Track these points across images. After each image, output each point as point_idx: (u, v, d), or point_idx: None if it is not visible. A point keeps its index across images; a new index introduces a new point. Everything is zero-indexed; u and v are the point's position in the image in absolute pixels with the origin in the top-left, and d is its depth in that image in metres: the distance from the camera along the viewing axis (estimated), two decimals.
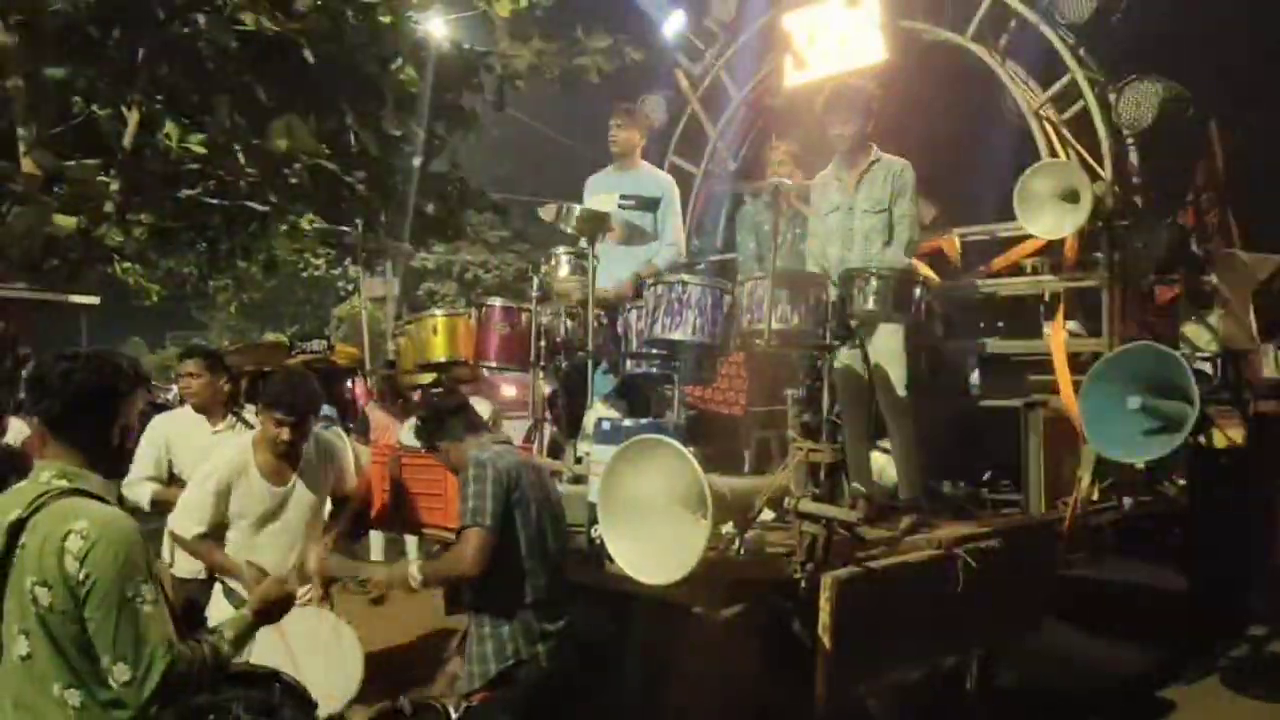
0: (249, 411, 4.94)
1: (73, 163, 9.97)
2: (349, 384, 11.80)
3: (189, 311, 19.39)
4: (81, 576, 2.13)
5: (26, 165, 9.78)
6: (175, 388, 14.92)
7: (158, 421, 4.85)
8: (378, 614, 6.92)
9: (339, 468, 4.33)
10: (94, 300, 10.34)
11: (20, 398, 8.58)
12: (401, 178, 13.03)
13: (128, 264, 13.81)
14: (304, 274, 22.08)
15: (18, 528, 2.18)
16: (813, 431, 3.76)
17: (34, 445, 2.50)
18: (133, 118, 10.62)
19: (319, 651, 3.77)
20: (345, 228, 10.66)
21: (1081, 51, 5.43)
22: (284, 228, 13.92)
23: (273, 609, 2.64)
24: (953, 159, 5.65)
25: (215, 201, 12.18)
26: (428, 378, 5.48)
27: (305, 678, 3.41)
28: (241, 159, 11.38)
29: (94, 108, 10.42)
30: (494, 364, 4.82)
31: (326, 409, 7.15)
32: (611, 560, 3.24)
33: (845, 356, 4.19)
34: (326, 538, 4.24)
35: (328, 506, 4.34)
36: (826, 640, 3.31)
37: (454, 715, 3.30)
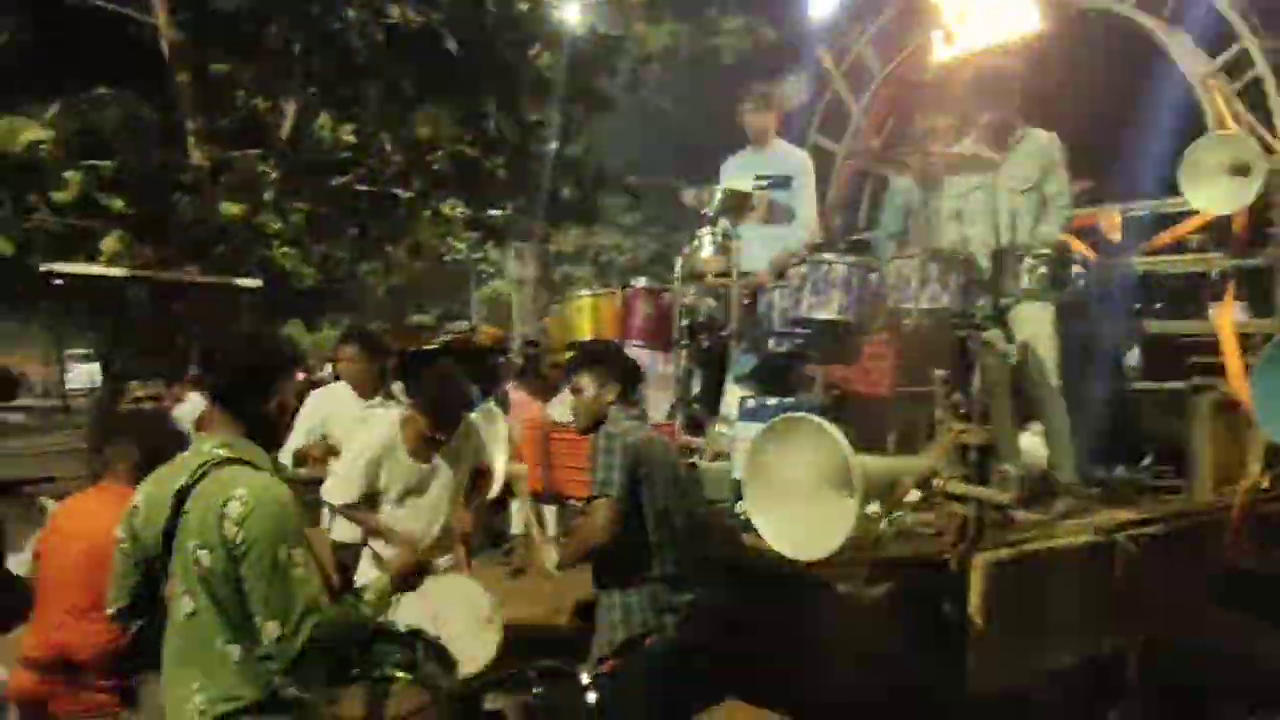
0: (396, 388, 5.23)
1: (236, 153, 10.59)
2: (495, 362, 12.14)
3: (341, 294, 20.19)
4: (239, 540, 2.27)
5: (195, 157, 10.41)
6: (330, 366, 15.67)
7: (315, 396, 5.17)
8: (517, 584, 7.13)
9: (479, 445, 4.51)
10: (256, 284, 10.93)
11: (194, 374, 9.17)
12: (539, 162, 13.31)
13: (285, 249, 14.55)
14: (447, 258, 22.73)
15: (183, 495, 2.34)
16: (963, 412, 3.67)
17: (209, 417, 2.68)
18: (290, 110, 11.18)
19: (460, 616, 3.93)
20: (493, 212, 10.98)
21: (1254, 19, 5.11)
22: (428, 213, 14.43)
23: (410, 576, 2.79)
24: (1108, 131, 5.39)
25: (364, 188, 12.72)
26: (568, 356, 5.66)
27: (447, 641, 3.57)
28: (388, 147, 11.87)
29: (255, 101, 10.99)
30: (638, 343, 4.90)
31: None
32: (756, 535, 3.25)
33: (995, 336, 4.07)
34: (468, 510, 4.43)
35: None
36: (977, 622, 3.24)
37: (585, 680, 3.37)
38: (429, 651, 3.38)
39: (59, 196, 8.71)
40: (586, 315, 5.14)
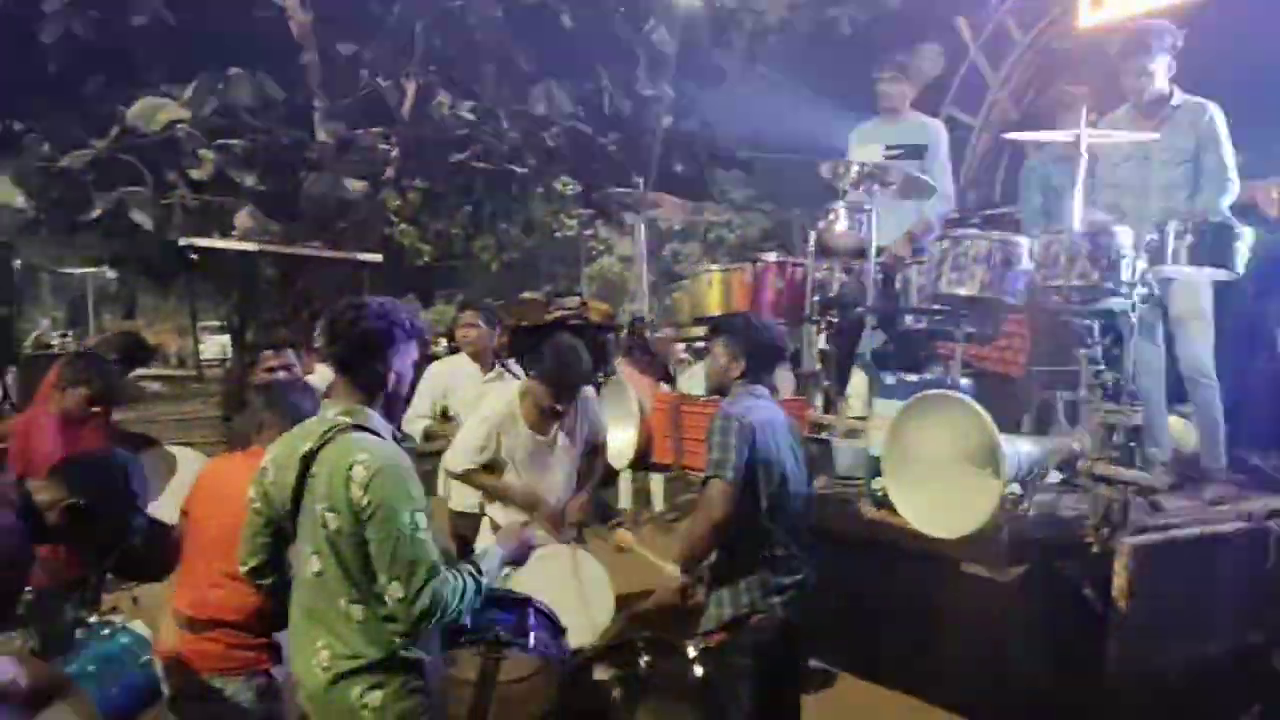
0: (510, 363, 5.33)
1: (360, 131, 10.86)
2: (604, 338, 12.21)
3: (454, 271, 20.64)
4: (364, 502, 2.33)
5: (321, 135, 10.73)
6: (445, 341, 16.04)
7: (435, 367, 5.31)
8: (624, 559, 7.23)
9: (594, 420, 4.55)
10: (377, 258, 11.23)
11: (319, 345, 9.48)
12: (651, 138, 13.27)
13: (403, 225, 14.91)
14: (557, 235, 22.95)
15: (310, 458, 2.41)
16: (1110, 393, 3.51)
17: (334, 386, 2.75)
18: (410, 88, 11.39)
19: (572, 587, 3.98)
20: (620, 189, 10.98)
21: None
22: (541, 190, 14.57)
23: (518, 551, 2.82)
24: (1272, 100, 5.06)
25: (480, 165, 12.90)
26: (700, 331, 5.68)
27: (560, 610, 3.61)
28: (505, 124, 11.99)
29: (377, 80, 11.24)
30: (770, 318, 4.89)
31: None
32: (892, 512, 3.19)
33: (1147, 314, 3.88)
34: (583, 484, 4.48)
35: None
36: (1120, 607, 3.12)
37: (691, 654, 3.38)
38: (540, 619, 3.43)
39: (195, 174, 9.08)
40: (716, 290, 5.11)
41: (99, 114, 8.82)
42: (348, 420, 2.46)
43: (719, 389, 3.46)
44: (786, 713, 3.38)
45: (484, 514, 4.47)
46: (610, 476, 8.67)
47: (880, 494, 3.38)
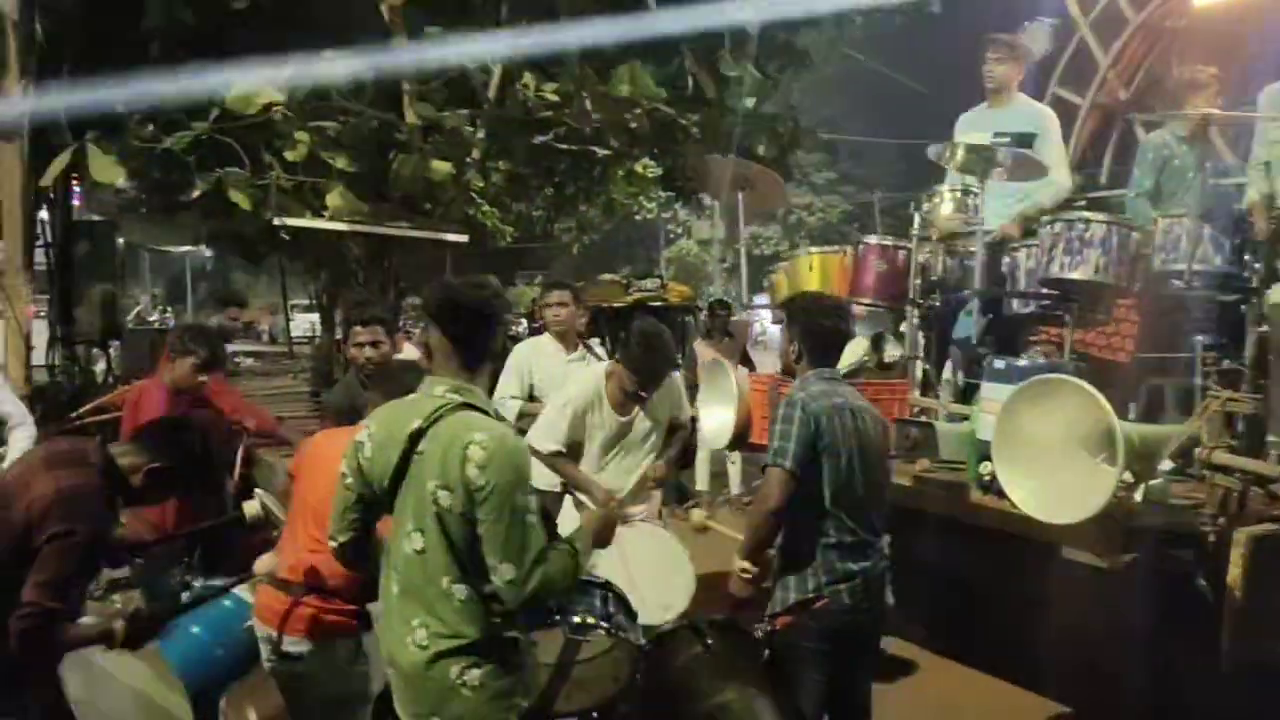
0: (593, 342, 5.39)
1: (446, 113, 10.96)
2: (683, 320, 12.20)
3: (535, 253, 20.84)
4: (481, 482, 2.36)
5: (409, 116, 10.86)
6: (524, 322, 16.14)
7: (521, 348, 5.41)
8: (699, 541, 7.26)
9: (675, 401, 4.59)
10: (464, 239, 11.37)
11: (404, 324, 9.66)
12: (734, 119, 13.13)
13: (486, 207, 15.05)
14: (637, 217, 23.01)
15: (417, 436, 2.42)
16: (1231, 380, 3.39)
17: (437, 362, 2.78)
18: (496, 70, 11.46)
19: (654, 566, 4.01)
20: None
21: None
22: (622, 172, 14.56)
23: (603, 533, 2.83)
24: None
25: (563, 147, 12.93)
26: None
27: (640, 589, 3.64)
28: (588, 105, 11.98)
29: (464, 63, 11.33)
30: (868, 301, 4.89)
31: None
32: (1000, 497, 3.16)
33: (1277, 297, 3.73)
34: (662, 464, 4.51)
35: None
36: (1235, 598, 3.05)
37: (757, 635, 3.40)
38: (617, 604, 3.48)
39: (290, 155, 9.27)
40: (815, 272, 5.15)
41: (199, 97, 9.05)
42: (458, 398, 2.49)
43: (787, 371, 3.47)
44: (856, 699, 3.37)
45: (566, 493, 4.52)
46: (688, 459, 8.75)
47: (988, 478, 3.36)
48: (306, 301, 22.54)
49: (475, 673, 2.41)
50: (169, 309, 27.68)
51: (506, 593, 2.38)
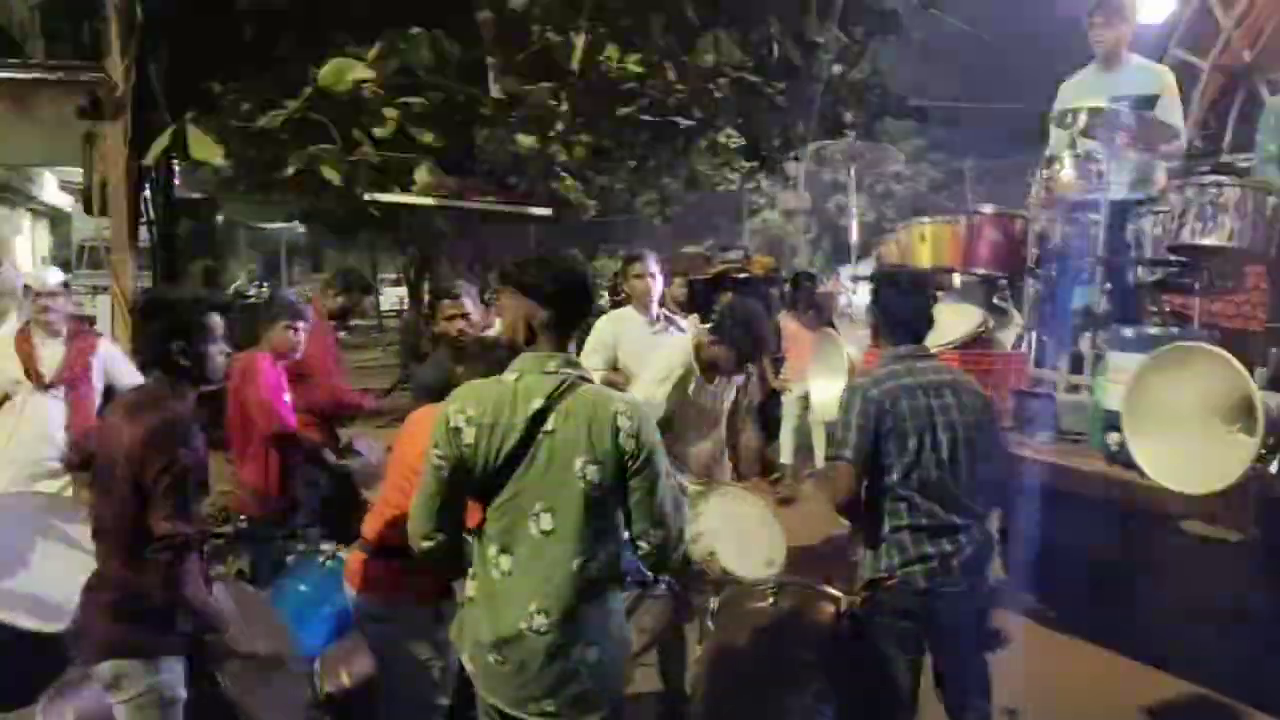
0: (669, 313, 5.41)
1: (530, 87, 11.01)
2: (767, 292, 12.08)
3: (617, 226, 20.87)
4: (635, 450, 2.35)
5: (494, 91, 10.95)
6: (607, 295, 16.22)
7: (604, 321, 5.42)
8: (785, 513, 7.27)
9: (757, 373, 4.62)
10: (548, 212, 11.44)
11: (490, 297, 9.78)
12: (820, 86, 12.91)
13: (569, 180, 15.13)
14: (720, 188, 22.85)
15: (542, 415, 2.38)
16: None
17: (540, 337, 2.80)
18: (579, 42, 11.45)
19: (754, 524, 4.06)
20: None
21: None
22: (705, 143, 14.45)
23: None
24: None
25: (646, 118, 12.88)
26: None
27: (748, 546, 3.68)
28: (671, 76, 11.90)
29: (548, 35, 11.35)
30: (983, 271, 4.82)
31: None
32: (1127, 467, 3.11)
33: None
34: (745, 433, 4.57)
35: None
36: None
37: (843, 605, 3.39)
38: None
39: (378, 131, 9.42)
40: (927, 243, 5.09)
41: (291, 75, 9.26)
42: (574, 372, 2.46)
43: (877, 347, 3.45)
44: (966, 679, 3.32)
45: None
46: (773, 430, 8.70)
47: (1116, 448, 3.32)
48: (394, 276, 22.99)
49: (594, 651, 2.42)
50: (265, 283, 28.54)
51: (655, 556, 2.40)
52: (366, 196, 9.87)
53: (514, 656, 2.43)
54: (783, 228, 29.27)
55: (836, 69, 12.46)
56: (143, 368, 3.65)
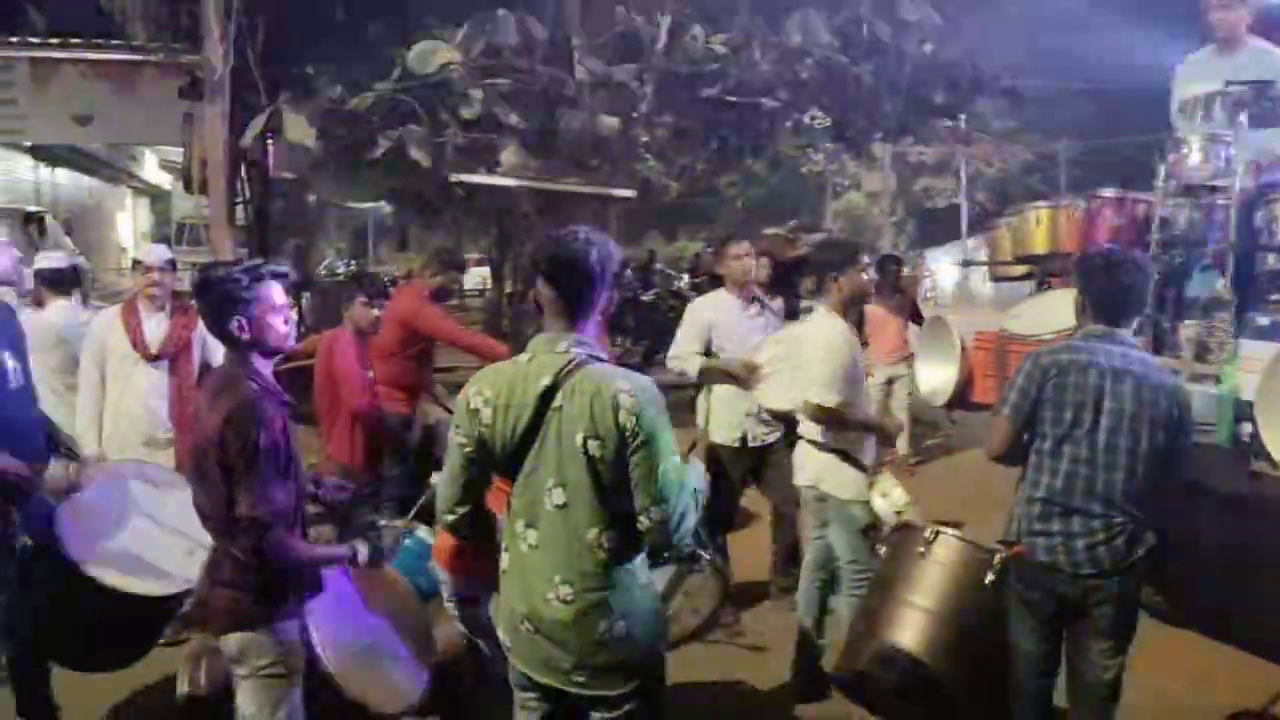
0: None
1: (615, 68, 11.03)
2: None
3: (698, 207, 20.80)
4: (634, 428, 2.37)
5: (578, 73, 10.99)
6: (686, 277, 16.14)
7: (700, 302, 5.41)
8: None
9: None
10: (631, 194, 11.46)
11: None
12: (910, 65, 12.65)
13: (651, 162, 15.11)
14: (804, 170, 22.60)
15: (550, 393, 2.43)
16: None
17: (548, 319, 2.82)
18: (664, 23, 11.42)
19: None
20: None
21: None
22: (789, 124, 14.28)
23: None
24: None
25: (730, 100, 12.80)
26: (1020, 270, 5.63)
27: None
28: (757, 56, 11.80)
29: (633, 16, 11.34)
30: None
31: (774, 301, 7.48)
32: (1260, 458, 3.03)
33: None
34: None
35: None
36: None
37: (987, 556, 3.36)
38: (708, 532, 3.63)
39: (465, 113, 9.55)
40: (1043, 227, 5.02)
41: (381, 57, 9.44)
42: (583, 352, 2.49)
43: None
44: (1091, 671, 3.28)
45: (749, 444, 4.68)
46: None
47: (1246, 438, 3.24)
48: (477, 256, 23.36)
49: (622, 624, 2.45)
50: (353, 261, 29.22)
51: (657, 534, 2.41)
52: (452, 177, 10.00)
53: (543, 627, 2.50)
54: (867, 209, 28.84)
55: (927, 48, 12.17)
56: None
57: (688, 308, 5.42)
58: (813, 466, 4.21)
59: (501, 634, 2.67)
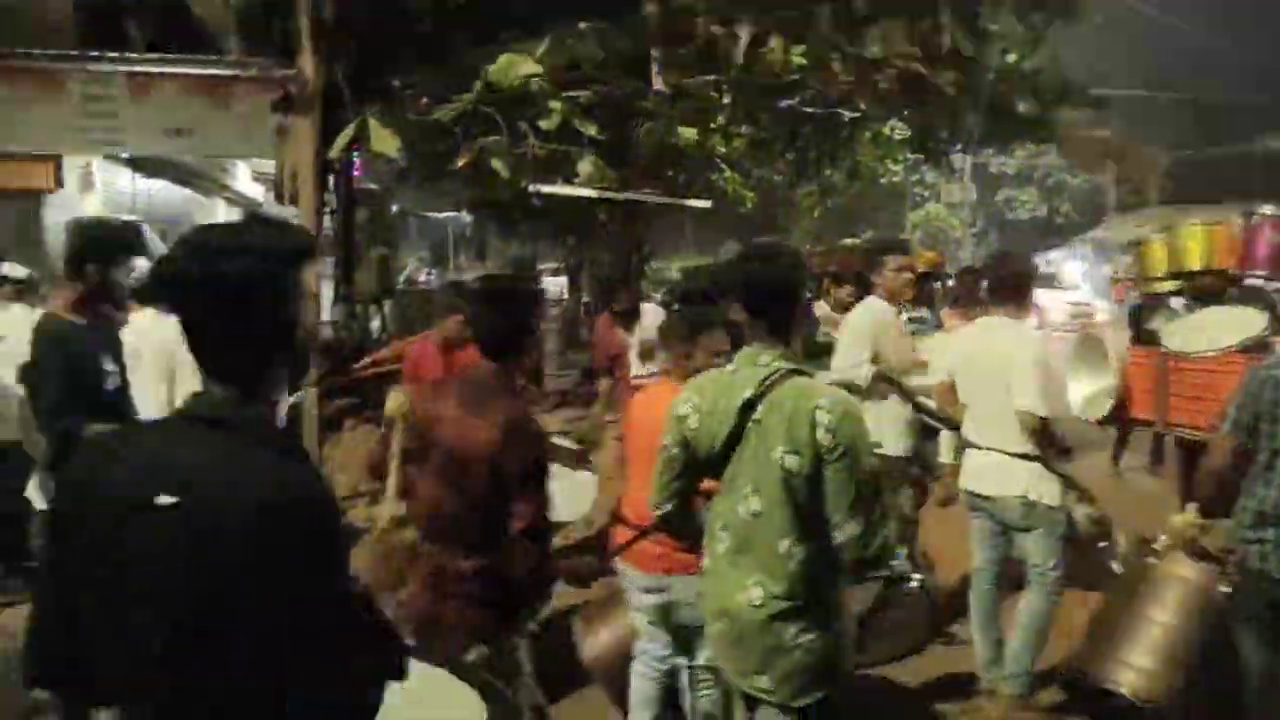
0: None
1: (693, 79, 11.06)
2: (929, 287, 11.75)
3: (775, 218, 20.70)
4: (831, 444, 2.42)
5: (657, 84, 11.05)
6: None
7: (863, 314, 5.38)
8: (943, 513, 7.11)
9: None
10: (706, 204, 11.47)
11: (649, 289, 9.91)
12: (993, 76, 12.43)
13: (728, 172, 15.10)
14: (882, 180, 22.32)
15: (751, 405, 2.51)
16: None
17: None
18: (744, 34, 11.42)
19: None
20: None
21: None
22: (869, 134, 14.16)
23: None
24: None
25: (808, 110, 12.73)
26: (1168, 285, 5.61)
27: None
28: (836, 67, 11.71)
29: (712, 28, 11.36)
30: (1264, 274, 4.71)
31: (921, 311, 7.33)
32: None
33: None
34: None
35: None
36: None
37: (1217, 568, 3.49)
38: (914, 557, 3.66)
39: (544, 124, 9.67)
40: (1198, 243, 5.00)
41: (464, 70, 9.61)
42: (784, 365, 2.57)
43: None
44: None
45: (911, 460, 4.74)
46: (931, 431, 8.51)
47: None
48: (554, 265, 23.57)
49: (811, 634, 2.49)
50: (433, 271, 29.67)
51: (852, 550, 2.43)
52: (530, 187, 10.13)
53: (734, 628, 2.57)
54: (946, 220, 28.30)
55: (1010, 57, 11.95)
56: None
57: (849, 318, 5.43)
58: (1023, 475, 4.21)
59: (707, 628, 2.78)
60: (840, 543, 2.45)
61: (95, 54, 7.77)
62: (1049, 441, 4.13)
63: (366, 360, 8.56)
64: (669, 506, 2.75)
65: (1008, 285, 4.25)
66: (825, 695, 2.54)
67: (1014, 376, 4.07)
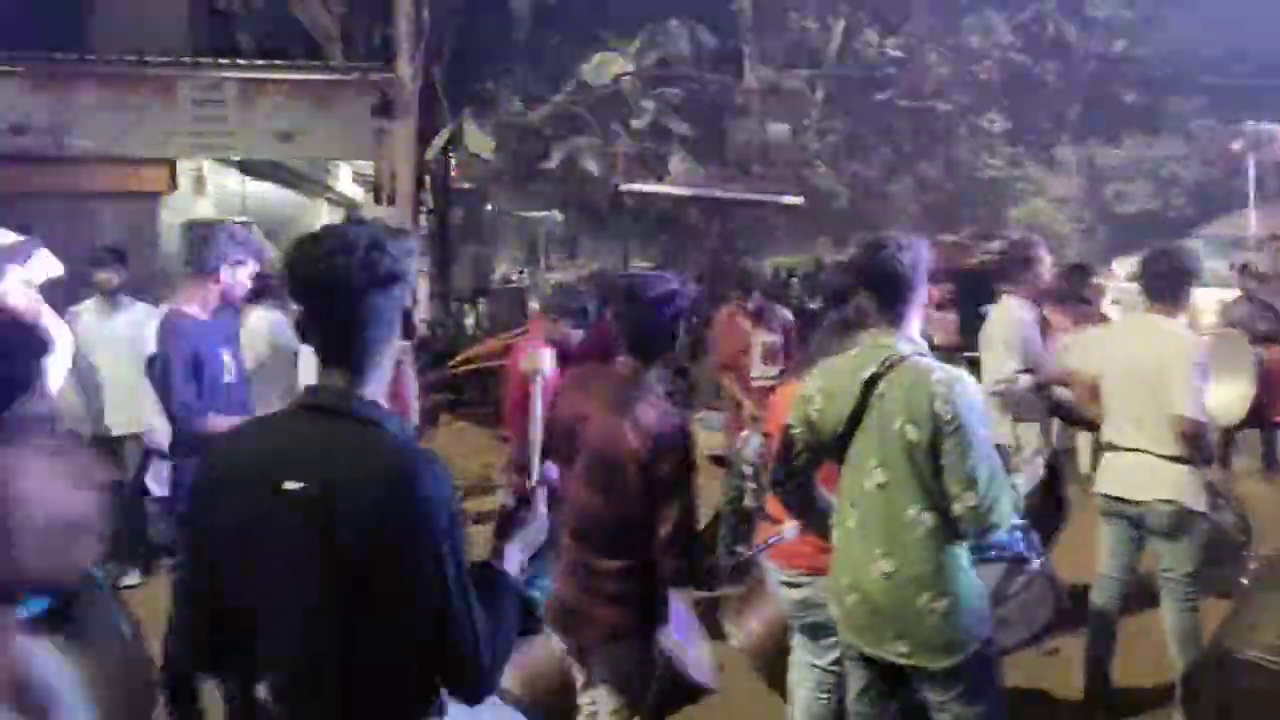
0: None
1: (786, 74, 11.00)
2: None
3: (870, 214, 20.35)
4: (948, 415, 2.48)
5: (749, 80, 11.02)
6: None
7: (1010, 318, 5.16)
8: None
9: None
10: (799, 201, 11.36)
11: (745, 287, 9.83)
12: (1098, 65, 12.05)
13: (821, 168, 14.95)
14: (981, 175, 21.75)
15: (873, 381, 2.58)
16: None
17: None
18: (838, 28, 11.31)
19: None
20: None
21: None
22: (966, 128, 13.86)
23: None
24: None
25: (903, 104, 12.54)
26: None
27: None
28: (933, 59, 11.51)
29: (805, 23, 11.28)
30: None
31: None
32: None
33: None
34: None
35: None
36: None
37: None
38: (1029, 542, 3.68)
39: (635, 123, 9.73)
40: None
41: (557, 71, 9.73)
42: (907, 348, 2.64)
43: None
44: None
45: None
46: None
47: None
48: (646, 263, 23.63)
49: (943, 601, 2.56)
50: (525, 269, 30.06)
51: (969, 519, 2.50)
52: (621, 186, 10.20)
53: (867, 598, 2.65)
54: (1052, 216, 27.41)
55: (1118, 45, 11.56)
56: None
57: (998, 322, 5.16)
58: (1172, 479, 4.09)
59: (832, 608, 2.82)
60: (958, 514, 2.50)
61: (206, 60, 8.11)
62: (1199, 446, 3.99)
63: (459, 358, 8.73)
64: (790, 484, 2.81)
65: (1164, 282, 4.04)
66: (967, 662, 2.60)
67: (1170, 378, 3.88)
